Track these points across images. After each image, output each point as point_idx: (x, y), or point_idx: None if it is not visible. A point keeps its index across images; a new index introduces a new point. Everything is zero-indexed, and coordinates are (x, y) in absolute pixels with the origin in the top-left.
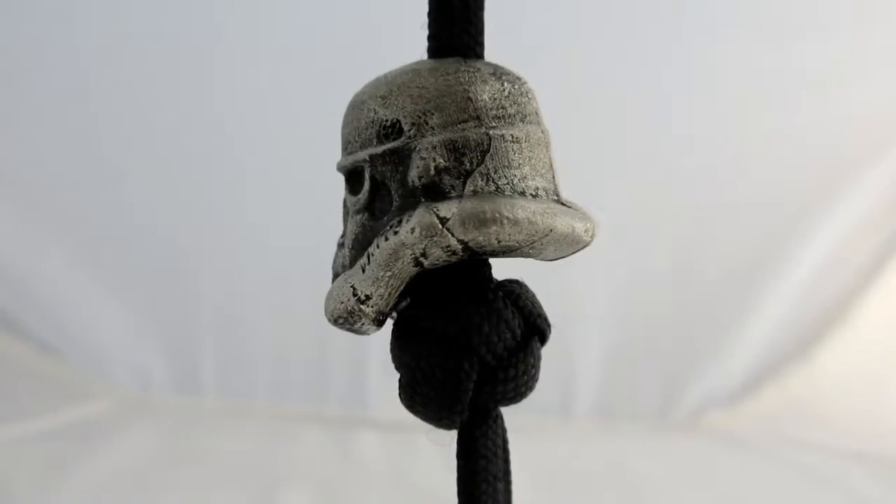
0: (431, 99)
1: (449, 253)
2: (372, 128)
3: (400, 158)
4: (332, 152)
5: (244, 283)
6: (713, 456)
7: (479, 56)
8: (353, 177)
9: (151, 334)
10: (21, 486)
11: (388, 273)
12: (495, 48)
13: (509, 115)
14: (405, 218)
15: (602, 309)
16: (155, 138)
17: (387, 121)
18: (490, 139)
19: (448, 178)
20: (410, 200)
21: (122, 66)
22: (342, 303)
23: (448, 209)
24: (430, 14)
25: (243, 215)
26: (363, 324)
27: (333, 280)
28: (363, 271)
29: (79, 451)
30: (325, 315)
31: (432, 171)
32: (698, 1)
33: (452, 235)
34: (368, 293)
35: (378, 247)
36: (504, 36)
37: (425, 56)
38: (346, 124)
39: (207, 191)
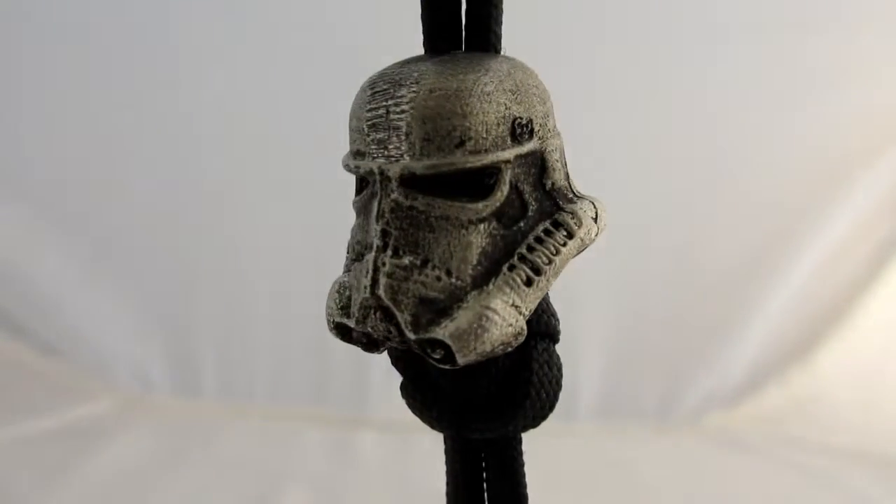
0: (545, 100)
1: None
2: (504, 125)
3: (533, 160)
4: (332, 152)
5: (244, 284)
6: (713, 456)
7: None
8: (467, 179)
9: (152, 335)
10: (21, 486)
11: (556, 280)
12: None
13: None
14: (571, 221)
15: (602, 310)
16: (155, 138)
17: (523, 119)
18: (562, 143)
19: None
20: (547, 204)
21: (123, 65)
22: (510, 325)
23: (593, 210)
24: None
25: (243, 215)
26: (517, 343)
27: (430, 307)
28: (528, 285)
29: (79, 451)
30: (476, 350)
31: (566, 174)
32: (697, 0)
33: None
34: (531, 307)
35: (556, 254)
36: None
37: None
38: (454, 115)
39: (208, 191)
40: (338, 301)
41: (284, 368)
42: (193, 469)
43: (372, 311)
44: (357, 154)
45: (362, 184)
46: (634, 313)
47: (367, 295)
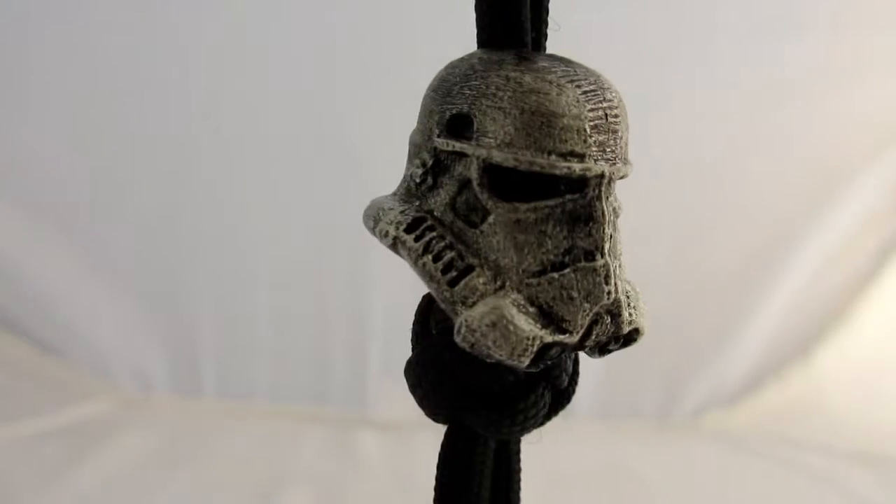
0: None
1: None
2: None
3: None
4: (332, 153)
5: (244, 283)
6: (713, 456)
7: None
8: None
9: (152, 334)
10: (21, 486)
11: None
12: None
13: None
14: None
15: None
16: (156, 138)
17: None
18: None
19: None
20: None
21: (124, 65)
22: None
23: None
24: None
25: (244, 215)
26: None
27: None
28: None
29: (79, 451)
30: (647, 331)
31: None
32: (696, 2)
33: None
34: None
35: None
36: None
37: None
38: (629, 123)
39: (208, 191)
40: (534, 321)
41: (284, 368)
42: (193, 469)
43: (604, 317)
44: (570, 155)
45: (543, 186)
46: None
47: (609, 301)
